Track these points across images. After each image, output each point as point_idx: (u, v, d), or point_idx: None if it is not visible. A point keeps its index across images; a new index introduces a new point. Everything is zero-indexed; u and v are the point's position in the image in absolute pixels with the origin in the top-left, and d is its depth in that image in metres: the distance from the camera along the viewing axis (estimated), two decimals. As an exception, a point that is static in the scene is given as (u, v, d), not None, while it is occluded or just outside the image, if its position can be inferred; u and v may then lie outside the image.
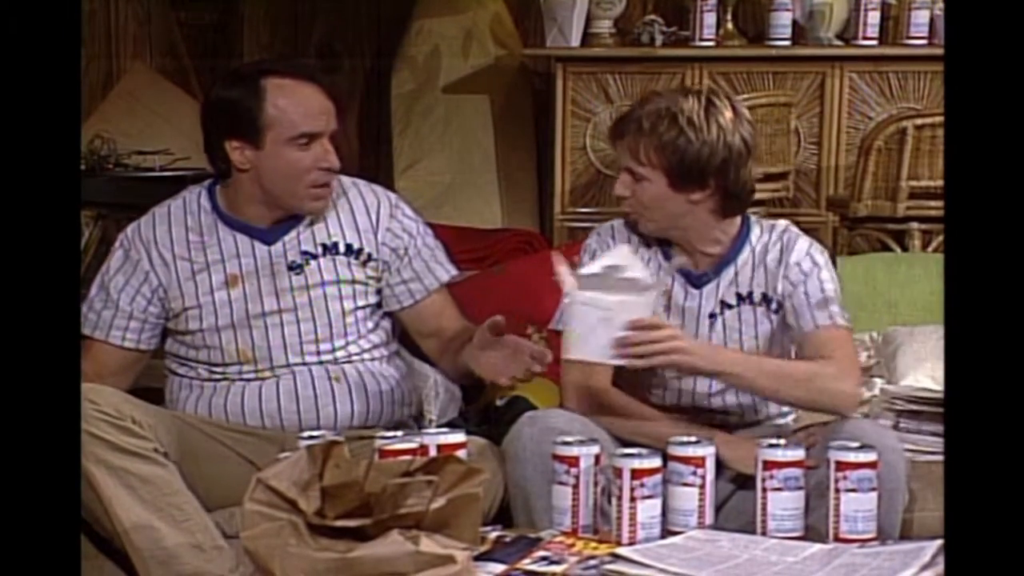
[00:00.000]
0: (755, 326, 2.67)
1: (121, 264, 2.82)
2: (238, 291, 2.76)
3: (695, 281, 2.68)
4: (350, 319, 2.81)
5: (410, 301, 2.86)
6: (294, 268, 2.78)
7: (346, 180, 2.88)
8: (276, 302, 2.77)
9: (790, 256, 2.66)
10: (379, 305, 2.87)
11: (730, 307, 2.67)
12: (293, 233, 2.79)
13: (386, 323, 2.88)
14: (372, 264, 2.83)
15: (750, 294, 2.67)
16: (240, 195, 2.78)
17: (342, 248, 2.81)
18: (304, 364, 2.76)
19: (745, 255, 2.68)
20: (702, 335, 2.65)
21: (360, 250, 2.82)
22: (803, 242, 2.69)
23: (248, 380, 2.76)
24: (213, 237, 2.79)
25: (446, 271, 2.91)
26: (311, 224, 2.80)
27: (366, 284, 2.83)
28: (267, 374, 2.76)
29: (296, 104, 2.71)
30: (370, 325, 2.84)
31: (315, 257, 2.79)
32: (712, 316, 2.68)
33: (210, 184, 2.84)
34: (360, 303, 2.83)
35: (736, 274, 2.67)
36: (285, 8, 5.44)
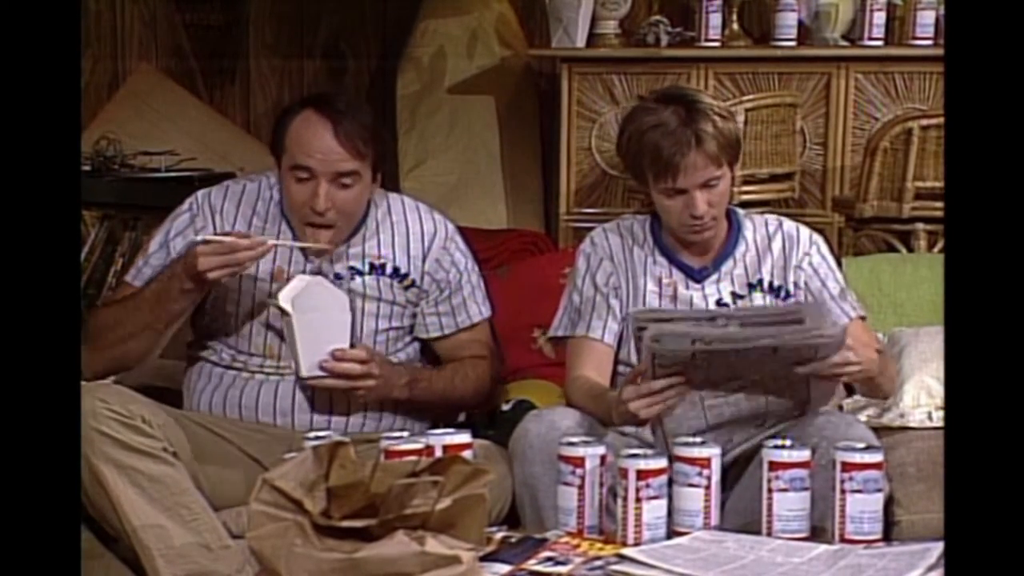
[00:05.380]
0: None
1: (185, 227, 2.84)
2: (280, 286, 2.77)
3: (695, 275, 2.74)
4: (380, 337, 2.83)
5: (438, 333, 2.88)
6: (339, 279, 2.80)
7: (409, 202, 2.91)
8: None
9: (797, 246, 2.75)
10: (411, 328, 2.88)
11: (741, 297, 2.72)
12: (344, 245, 2.81)
13: (415, 344, 2.90)
14: (413, 290, 2.85)
15: (760, 282, 2.73)
16: None
17: (389, 269, 2.83)
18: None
19: (743, 248, 2.76)
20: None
21: (406, 275, 2.84)
22: (804, 231, 2.78)
23: (268, 375, 2.77)
24: (274, 227, 2.81)
25: (480, 311, 2.92)
26: (364, 240, 2.82)
27: (404, 307, 2.85)
28: (287, 372, 2.76)
29: (302, 137, 2.71)
30: (399, 345, 2.87)
31: (361, 274, 2.81)
32: (723, 306, 2.71)
33: None
34: (394, 324, 2.85)
35: (735, 265, 2.74)
36: (290, 9, 5.43)
